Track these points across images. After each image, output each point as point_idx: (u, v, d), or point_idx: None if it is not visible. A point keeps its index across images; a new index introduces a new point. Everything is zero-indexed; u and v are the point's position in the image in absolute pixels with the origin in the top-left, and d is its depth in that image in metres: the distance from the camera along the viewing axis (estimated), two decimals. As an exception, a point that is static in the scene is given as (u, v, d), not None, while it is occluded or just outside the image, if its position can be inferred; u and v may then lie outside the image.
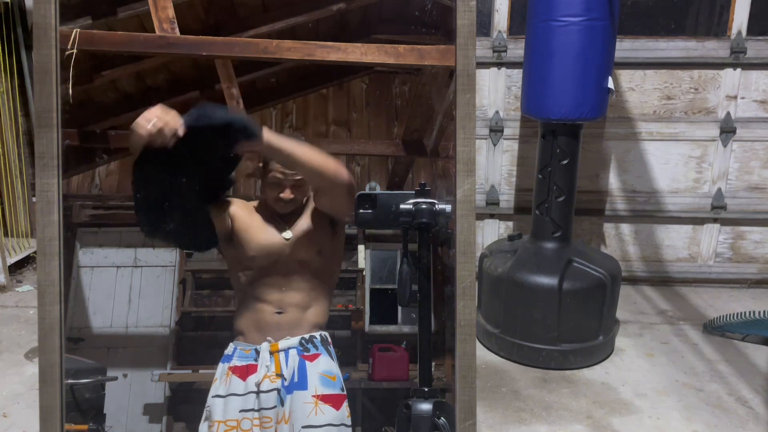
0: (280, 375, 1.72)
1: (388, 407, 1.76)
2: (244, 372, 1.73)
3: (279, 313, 1.75)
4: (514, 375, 2.63)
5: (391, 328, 2.18)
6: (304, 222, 1.78)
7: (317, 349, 1.76)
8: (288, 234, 1.76)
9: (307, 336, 1.77)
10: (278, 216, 1.78)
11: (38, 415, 1.65)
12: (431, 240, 1.27)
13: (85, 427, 1.91)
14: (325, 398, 1.72)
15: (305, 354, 1.75)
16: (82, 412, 1.94)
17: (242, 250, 1.76)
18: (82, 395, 1.96)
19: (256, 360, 1.74)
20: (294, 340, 1.75)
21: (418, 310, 1.29)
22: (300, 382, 1.72)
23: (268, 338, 1.75)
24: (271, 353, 1.74)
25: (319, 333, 1.78)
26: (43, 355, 1.64)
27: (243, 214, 1.79)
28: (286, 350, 1.74)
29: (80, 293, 2.12)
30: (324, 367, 1.75)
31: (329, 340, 1.80)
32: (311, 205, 1.81)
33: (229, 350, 1.78)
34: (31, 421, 2.22)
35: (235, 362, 1.75)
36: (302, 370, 1.73)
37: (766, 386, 2.54)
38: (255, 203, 1.84)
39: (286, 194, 1.73)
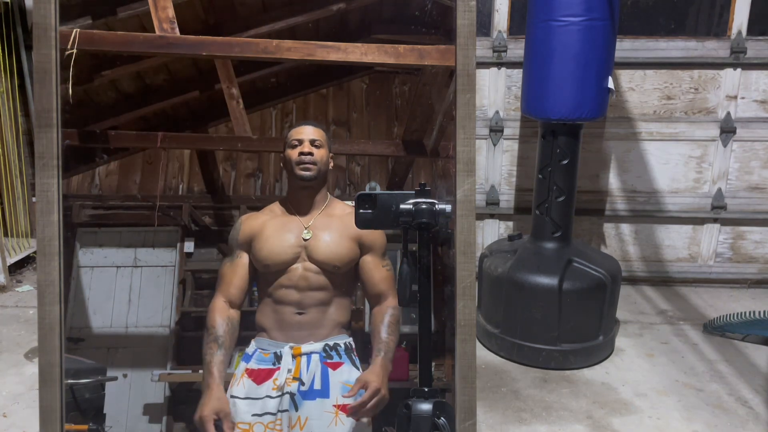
0: (297, 379, 1.71)
1: (388, 407, 1.76)
2: (259, 376, 1.73)
3: (300, 313, 1.75)
4: (514, 375, 2.63)
5: (393, 329, 2.18)
6: (326, 225, 1.79)
7: (341, 357, 1.76)
8: (308, 234, 1.77)
9: (331, 342, 1.76)
10: (297, 214, 1.79)
11: (38, 415, 1.65)
12: (431, 240, 1.27)
13: (85, 427, 1.92)
14: (345, 408, 1.72)
15: (328, 361, 1.75)
16: (82, 412, 1.94)
17: (257, 258, 1.77)
18: (82, 395, 1.96)
19: (274, 365, 1.73)
20: (317, 346, 1.75)
21: (418, 310, 1.29)
22: (322, 390, 1.72)
23: (291, 344, 1.74)
24: (293, 357, 1.73)
25: (344, 341, 1.78)
26: (43, 355, 1.64)
27: (256, 229, 1.80)
28: (309, 354, 1.74)
29: (80, 293, 2.12)
30: (347, 377, 1.75)
31: (353, 347, 1.80)
32: (339, 212, 1.81)
33: (250, 349, 1.79)
34: (31, 421, 2.22)
35: (253, 365, 1.75)
36: (325, 378, 1.73)
37: (766, 386, 2.54)
38: (271, 208, 1.85)
39: (305, 146, 1.77)
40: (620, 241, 3.61)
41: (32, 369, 2.57)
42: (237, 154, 2.44)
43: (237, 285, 1.80)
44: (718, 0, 3.37)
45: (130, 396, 2.04)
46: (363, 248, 1.79)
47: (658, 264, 3.61)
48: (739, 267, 3.60)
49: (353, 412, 1.70)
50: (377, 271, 1.80)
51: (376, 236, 1.80)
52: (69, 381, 1.80)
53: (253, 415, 1.70)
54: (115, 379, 2.05)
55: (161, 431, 2.02)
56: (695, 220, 3.55)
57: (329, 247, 1.75)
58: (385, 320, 1.77)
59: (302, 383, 1.71)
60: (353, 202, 1.31)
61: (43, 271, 1.63)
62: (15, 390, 2.44)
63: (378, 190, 2.29)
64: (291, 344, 1.74)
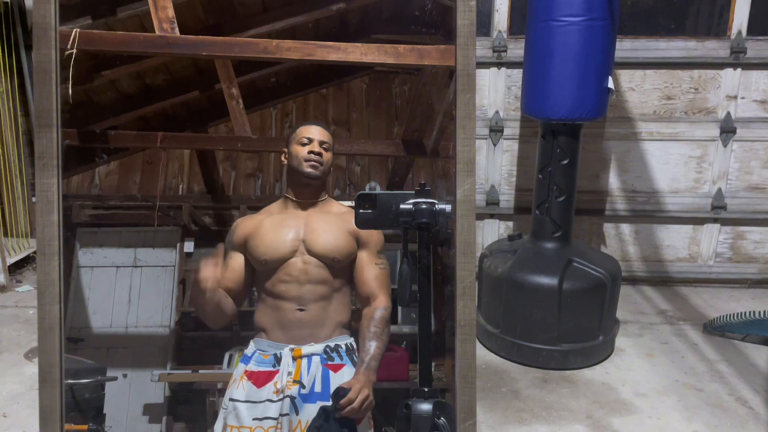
0: (297, 382, 1.70)
1: (388, 407, 1.76)
2: (259, 379, 1.71)
3: (301, 309, 1.74)
4: (514, 375, 2.64)
5: (391, 328, 2.18)
6: (324, 219, 1.78)
7: (342, 359, 1.74)
8: (305, 228, 1.76)
9: (332, 344, 1.75)
10: (295, 210, 1.79)
11: (38, 415, 1.65)
12: (431, 240, 1.27)
13: (85, 427, 1.92)
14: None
15: (329, 363, 1.73)
16: (82, 412, 1.94)
17: (255, 254, 1.77)
18: (82, 395, 1.96)
19: (274, 366, 1.72)
20: (318, 347, 1.73)
21: (418, 310, 1.29)
22: (323, 393, 1.69)
23: (291, 346, 1.73)
24: (294, 359, 1.72)
25: (345, 342, 1.77)
26: (43, 355, 1.64)
27: (252, 228, 1.79)
28: (309, 356, 1.73)
29: (80, 293, 2.12)
30: (348, 379, 1.73)
31: (355, 347, 1.78)
32: (335, 210, 1.81)
33: (249, 350, 1.77)
34: (31, 421, 2.22)
35: (252, 367, 1.73)
36: (326, 381, 1.70)
37: (766, 386, 2.54)
38: (268, 208, 1.85)
39: (315, 146, 1.78)
40: (620, 241, 3.61)
41: (32, 369, 2.57)
42: (237, 154, 2.44)
43: (229, 278, 1.78)
44: (718, 0, 3.37)
45: (130, 396, 2.04)
46: (359, 244, 1.79)
47: (658, 264, 3.61)
48: (739, 267, 3.60)
49: (341, 409, 1.64)
50: (368, 268, 1.77)
51: (371, 233, 1.78)
52: (69, 381, 1.79)
53: (254, 419, 1.69)
54: (115, 379, 2.05)
55: (161, 431, 2.02)
56: (695, 220, 3.55)
57: (328, 240, 1.75)
58: (371, 326, 1.72)
59: (303, 386, 1.69)
60: (353, 202, 1.30)
61: (43, 271, 1.63)
62: (15, 390, 2.44)
63: (378, 190, 2.29)
64: (291, 346, 1.73)
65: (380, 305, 1.74)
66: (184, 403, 2.05)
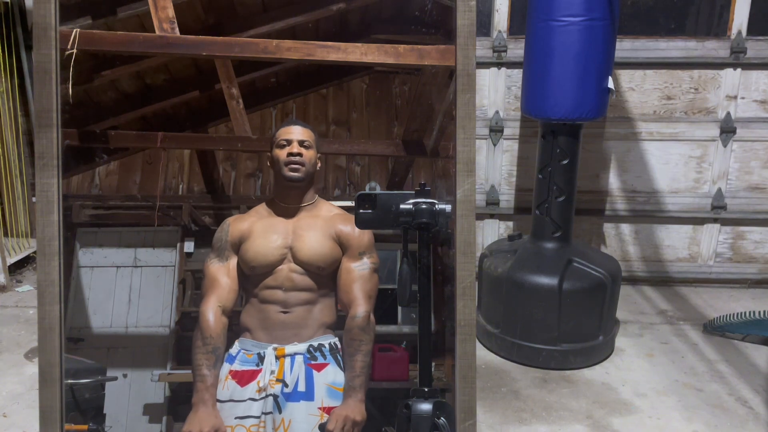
0: (280, 380, 1.70)
1: (388, 407, 1.76)
2: (243, 378, 1.72)
3: (284, 312, 1.74)
4: (514, 375, 2.63)
5: (391, 328, 2.18)
6: (311, 225, 1.78)
7: (325, 358, 1.74)
8: (292, 236, 1.76)
9: (315, 343, 1.75)
10: (283, 215, 1.79)
11: (38, 415, 1.65)
12: (431, 240, 1.27)
13: (85, 427, 1.91)
14: (331, 410, 1.70)
15: (312, 362, 1.73)
16: (82, 412, 1.94)
17: (244, 259, 1.77)
18: (82, 395, 1.96)
19: (257, 365, 1.72)
20: (302, 347, 1.74)
21: (418, 310, 1.29)
22: (307, 393, 1.70)
23: (274, 345, 1.73)
24: (277, 358, 1.72)
25: (328, 341, 1.77)
26: (43, 355, 1.64)
27: (245, 230, 1.79)
28: (293, 356, 1.73)
29: (80, 293, 2.12)
30: (332, 378, 1.73)
31: (339, 347, 1.78)
32: (324, 213, 1.81)
33: (233, 350, 1.77)
34: (31, 421, 2.22)
35: (236, 366, 1.74)
36: (309, 380, 1.71)
37: (766, 386, 2.54)
38: (256, 209, 1.84)
39: (293, 147, 1.76)
40: (620, 241, 3.61)
41: (32, 369, 2.57)
42: (237, 154, 2.44)
43: (233, 288, 1.78)
44: (718, 0, 3.37)
45: (130, 396, 2.04)
46: (341, 248, 1.78)
47: (658, 264, 3.61)
48: (739, 267, 3.60)
49: None
50: (346, 274, 1.76)
51: (352, 236, 1.76)
52: (69, 381, 1.79)
53: (236, 417, 1.69)
54: (115, 379, 2.05)
55: (161, 431, 2.02)
56: (695, 220, 3.55)
57: (313, 248, 1.75)
58: (350, 339, 1.71)
59: (285, 385, 1.69)
60: (353, 202, 1.31)
61: (43, 271, 1.63)
62: (15, 390, 2.44)
63: (378, 190, 2.29)
64: (275, 345, 1.73)
65: (355, 312, 1.73)
66: (184, 403, 2.05)
